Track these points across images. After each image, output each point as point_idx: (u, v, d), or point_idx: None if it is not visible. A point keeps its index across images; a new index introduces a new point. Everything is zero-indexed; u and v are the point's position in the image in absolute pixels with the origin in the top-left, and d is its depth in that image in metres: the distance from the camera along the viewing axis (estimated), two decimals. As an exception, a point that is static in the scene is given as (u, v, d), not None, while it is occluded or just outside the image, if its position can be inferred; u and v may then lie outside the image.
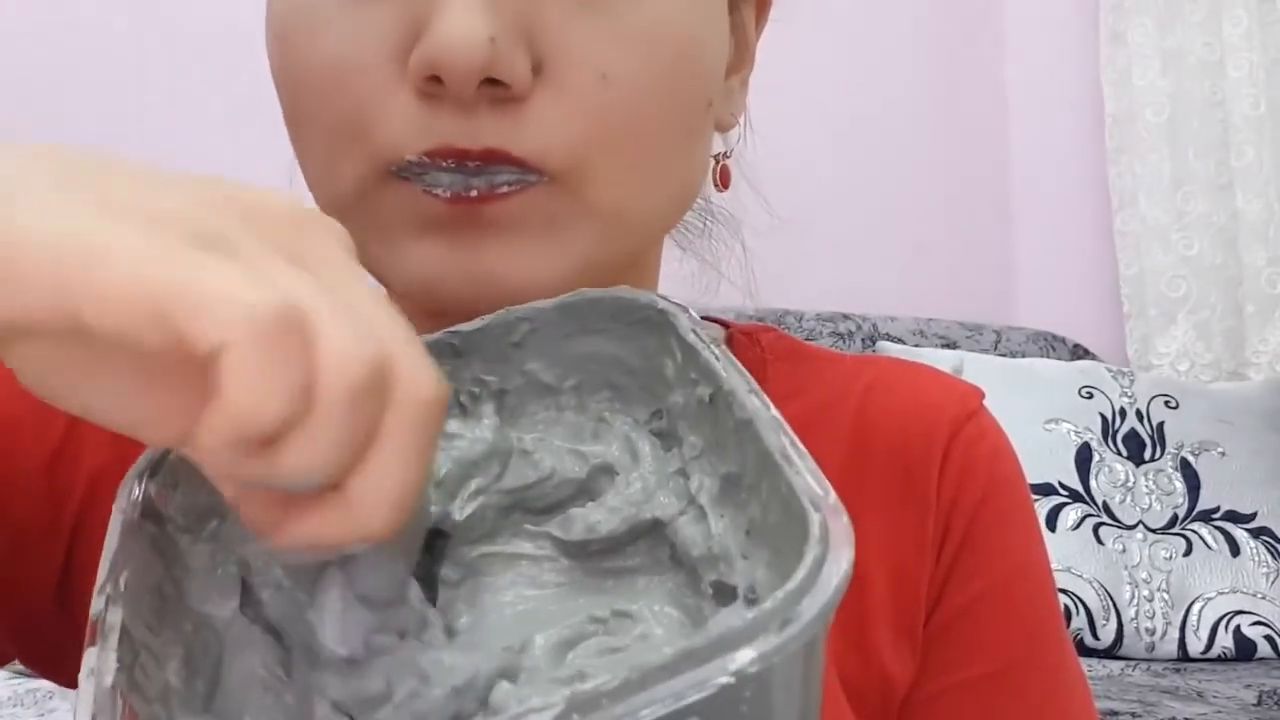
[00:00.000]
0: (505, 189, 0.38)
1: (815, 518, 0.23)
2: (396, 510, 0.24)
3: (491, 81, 0.36)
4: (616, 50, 0.38)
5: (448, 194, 0.37)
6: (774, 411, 0.28)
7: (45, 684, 1.35)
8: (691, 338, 0.31)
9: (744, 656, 0.20)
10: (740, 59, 0.48)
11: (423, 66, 0.36)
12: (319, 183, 0.41)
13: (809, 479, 0.25)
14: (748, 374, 0.30)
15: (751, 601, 0.27)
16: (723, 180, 0.52)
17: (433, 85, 0.37)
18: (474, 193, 0.37)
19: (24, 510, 0.43)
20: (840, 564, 0.22)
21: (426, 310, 0.40)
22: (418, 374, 0.25)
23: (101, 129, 1.79)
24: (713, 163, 0.50)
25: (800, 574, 0.21)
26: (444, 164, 0.37)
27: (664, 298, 0.34)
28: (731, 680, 0.20)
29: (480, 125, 0.37)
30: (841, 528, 0.23)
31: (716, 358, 0.30)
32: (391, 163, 0.38)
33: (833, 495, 0.24)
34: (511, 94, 0.37)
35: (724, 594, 0.29)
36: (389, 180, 0.39)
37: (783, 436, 0.27)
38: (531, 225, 0.39)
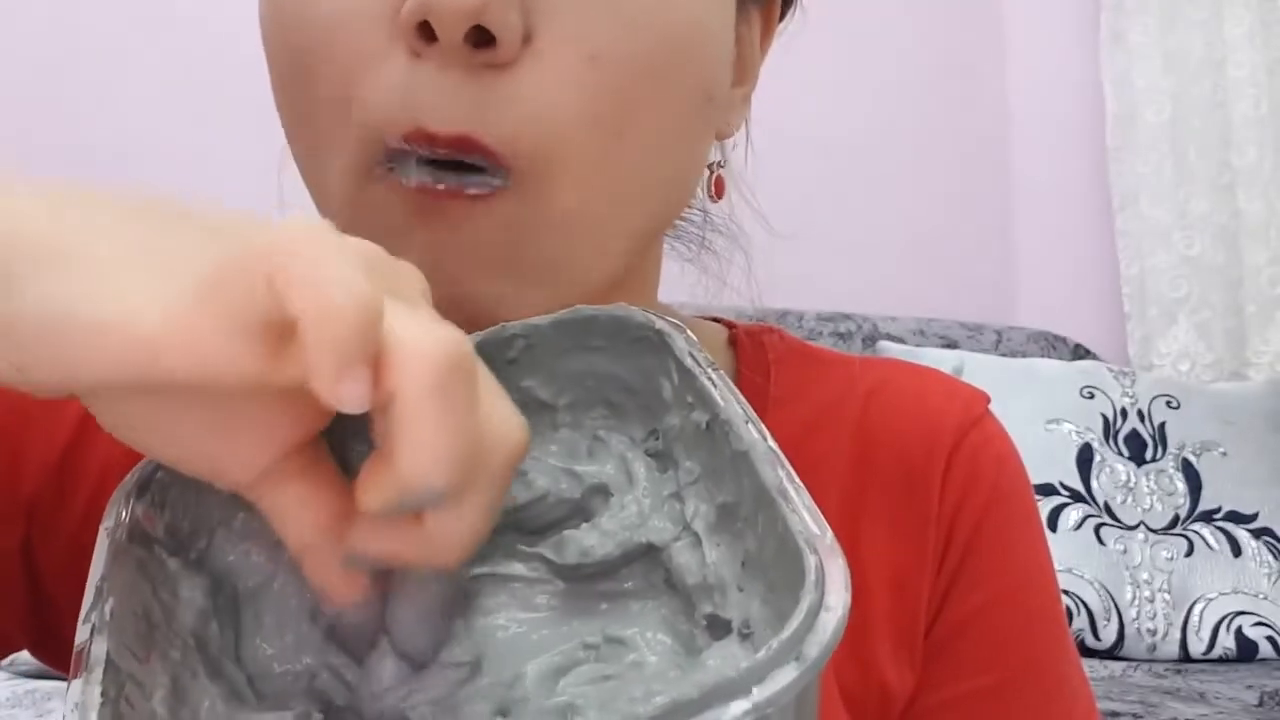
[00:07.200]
0: (473, 191, 0.37)
1: (811, 560, 0.23)
2: (471, 548, 0.26)
3: (479, 42, 0.35)
4: (609, 30, 0.37)
5: (414, 183, 0.37)
6: (771, 443, 0.27)
7: (44, 685, 1.34)
8: (689, 361, 0.31)
9: (738, 708, 0.20)
10: (744, 74, 0.47)
11: (415, 9, 0.35)
12: (309, 182, 0.41)
13: (805, 517, 0.24)
14: (745, 401, 0.29)
15: (745, 636, 0.27)
16: (717, 190, 0.50)
17: (420, 40, 0.36)
18: (441, 186, 0.37)
19: (35, 496, 0.44)
20: (836, 610, 0.22)
21: None
22: (510, 421, 0.26)
23: (97, 122, 1.79)
24: (707, 173, 0.49)
25: (795, 622, 0.21)
26: (418, 151, 0.36)
27: (662, 316, 0.33)
28: None
29: (457, 94, 0.36)
30: (837, 570, 0.22)
31: (714, 384, 0.30)
32: (375, 153, 0.37)
33: (829, 535, 0.23)
34: (496, 57, 0.36)
35: (718, 627, 0.29)
36: (371, 181, 0.38)
37: (779, 470, 0.26)
38: (494, 247, 0.38)
